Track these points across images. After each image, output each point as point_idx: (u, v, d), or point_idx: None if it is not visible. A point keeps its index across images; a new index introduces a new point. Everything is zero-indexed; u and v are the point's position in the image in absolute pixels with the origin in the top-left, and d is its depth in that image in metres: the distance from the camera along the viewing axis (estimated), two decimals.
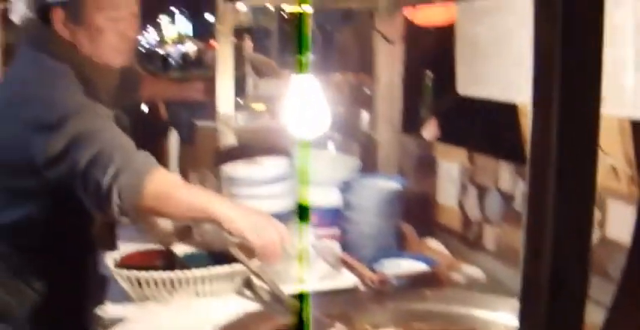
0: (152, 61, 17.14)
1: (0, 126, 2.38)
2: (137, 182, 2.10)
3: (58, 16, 2.40)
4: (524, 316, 0.84)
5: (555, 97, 0.77)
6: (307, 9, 2.58)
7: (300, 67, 2.27)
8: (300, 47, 2.27)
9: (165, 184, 2.17)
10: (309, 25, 2.81)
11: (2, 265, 2.58)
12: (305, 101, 2.33)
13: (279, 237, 2.15)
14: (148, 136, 5.53)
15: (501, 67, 2.32)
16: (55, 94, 2.31)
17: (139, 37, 11.38)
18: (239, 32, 7.31)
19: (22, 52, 2.58)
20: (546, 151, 0.79)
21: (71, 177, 2.19)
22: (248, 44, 6.28)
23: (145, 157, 2.19)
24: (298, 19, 2.50)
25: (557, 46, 0.77)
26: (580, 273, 0.82)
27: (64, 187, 2.25)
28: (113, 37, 2.44)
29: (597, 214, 1.92)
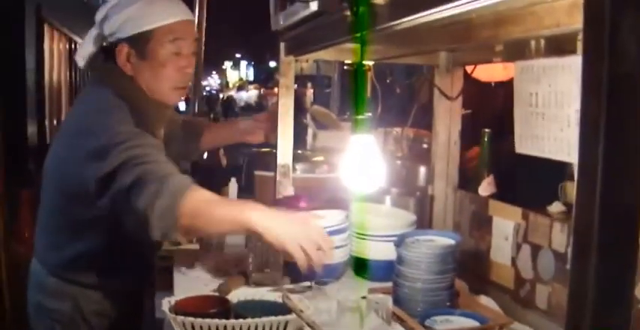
0: (214, 105, 17.35)
1: (67, 156, 2.49)
2: (173, 203, 2.18)
3: (123, 52, 2.56)
4: None
5: (599, 162, 0.80)
6: (367, 63, 2.64)
7: (359, 126, 2.32)
8: (358, 105, 2.32)
9: (200, 202, 2.26)
10: (369, 78, 2.87)
11: (67, 304, 2.65)
12: (363, 157, 2.37)
13: (320, 241, 2.21)
14: (208, 183, 5.62)
15: (557, 127, 2.34)
16: (110, 123, 2.42)
17: (204, 82, 11.48)
18: (301, 80, 7.39)
19: (86, 88, 2.79)
20: (590, 217, 0.82)
21: (117, 203, 2.28)
22: (309, 93, 6.35)
23: (181, 179, 2.27)
24: (358, 73, 2.56)
25: (602, 112, 0.80)
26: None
27: (115, 216, 2.33)
28: (173, 72, 2.60)
29: None
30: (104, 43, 2.63)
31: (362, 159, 2.36)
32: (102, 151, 2.32)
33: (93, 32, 2.65)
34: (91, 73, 2.83)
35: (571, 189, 2.45)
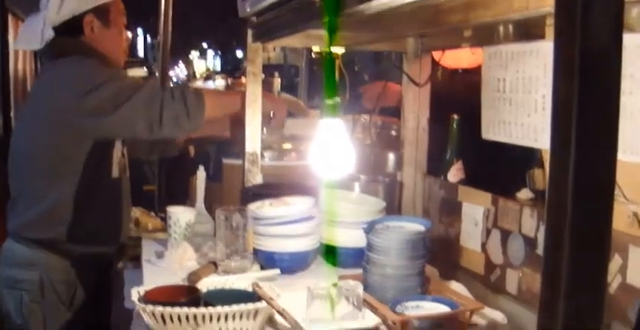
0: None
1: (53, 98, 2.83)
2: (200, 96, 2.85)
3: (89, 22, 2.95)
4: None
5: (572, 145, 0.80)
6: (336, 50, 2.63)
7: (328, 111, 2.31)
8: (328, 91, 2.31)
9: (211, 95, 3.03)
10: (337, 65, 2.86)
11: (35, 274, 2.78)
12: (331, 142, 2.36)
13: None
14: (176, 171, 5.59)
15: (524, 112, 2.35)
16: (93, 65, 2.88)
17: (170, 73, 11.48)
18: (268, 69, 7.36)
19: (49, 63, 3.09)
20: (563, 197, 0.81)
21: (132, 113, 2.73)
22: (277, 82, 6.33)
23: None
24: (327, 60, 2.54)
25: (574, 95, 0.80)
26: (595, 314, 0.84)
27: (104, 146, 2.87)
28: (124, 40, 3.14)
29: (619, 261, 1.93)
30: (66, 18, 2.89)
31: (330, 144, 2.36)
32: (98, 79, 2.76)
33: (42, 14, 2.89)
34: (49, 51, 2.98)
35: (539, 176, 2.46)
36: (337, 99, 2.31)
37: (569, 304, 0.83)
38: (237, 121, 3.39)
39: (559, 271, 0.82)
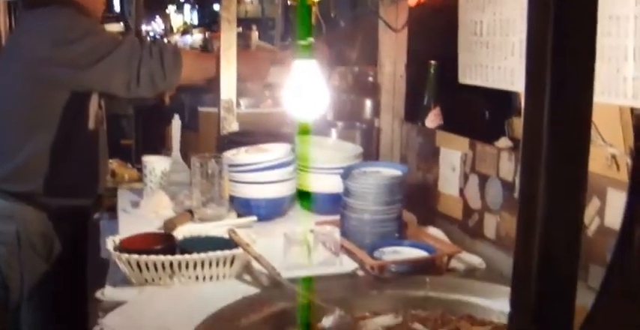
0: None
1: (33, 48, 2.79)
2: (177, 54, 2.86)
3: None
4: (516, 297, 0.84)
5: (547, 85, 0.77)
6: None
7: (302, 52, 2.27)
8: (302, 32, 2.28)
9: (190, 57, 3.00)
10: (314, 13, 2.82)
11: (12, 226, 2.71)
12: (306, 85, 2.33)
13: None
14: (152, 121, 5.55)
15: (501, 55, 2.32)
16: (72, 19, 2.83)
17: (147, 28, 11.34)
18: (246, 23, 7.30)
19: (29, 14, 3.01)
20: (538, 138, 0.79)
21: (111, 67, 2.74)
22: (254, 34, 6.27)
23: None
24: (302, 5, 2.50)
25: (549, 35, 0.77)
26: (570, 255, 0.82)
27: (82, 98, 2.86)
28: None
29: (597, 203, 1.93)
30: None
31: (305, 86, 2.33)
32: (75, 31, 2.77)
33: None
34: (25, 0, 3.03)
35: (518, 125, 2.44)
36: (310, 39, 2.28)
37: (544, 246, 0.81)
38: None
39: (534, 214, 0.80)
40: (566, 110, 0.78)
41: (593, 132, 1.83)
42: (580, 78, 0.78)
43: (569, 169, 0.80)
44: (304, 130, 2.78)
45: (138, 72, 2.72)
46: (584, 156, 0.80)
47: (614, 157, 1.88)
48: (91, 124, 2.94)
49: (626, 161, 1.85)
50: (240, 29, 4.04)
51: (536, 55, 0.79)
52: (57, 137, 2.80)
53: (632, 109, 1.82)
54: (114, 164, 3.65)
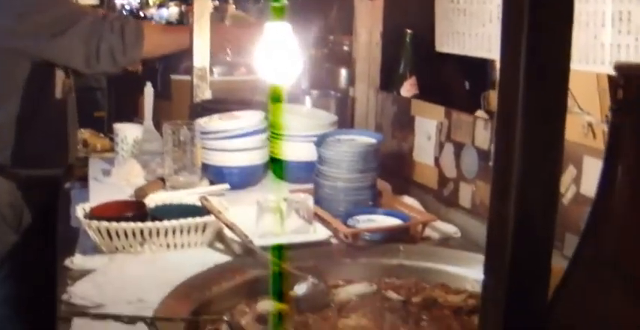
0: None
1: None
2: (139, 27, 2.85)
3: None
4: (490, 262, 0.82)
5: (522, 52, 0.75)
6: None
7: (275, 14, 2.24)
8: None
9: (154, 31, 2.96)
10: None
11: None
12: (279, 47, 2.30)
13: None
14: (125, 91, 5.49)
15: (478, 22, 2.31)
16: None
17: (122, 1, 11.27)
18: None
19: None
20: (512, 107, 0.76)
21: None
22: (231, 8, 6.25)
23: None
24: None
25: (525, 0, 0.74)
26: (546, 217, 0.80)
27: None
28: None
29: (573, 171, 1.91)
30: None
31: (277, 49, 2.30)
32: (39, 2, 2.74)
33: None
34: None
35: (494, 97, 2.43)
36: (284, 1, 2.25)
37: (520, 207, 0.79)
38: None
39: (509, 180, 0.77)
40: (543, 76, 0.76)
41: (569, 100, 1.82)
42: (556, 44, 0.76)
43: (545, 137, 0.78)
44: (278, 98, 2.75)
45: (97, 48, 2.69)
46: (560, 121, 0.79)
47: (590, 125, 1.86)
48: (58, 94, 2.90)
49: (602, 129, 1.83)
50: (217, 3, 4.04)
51: (512, 21, 0.77)
52: (23, 107, 2.76)
53: (610, 77, 1.80)
54: (86, 134, 3.61)
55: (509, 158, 0.77)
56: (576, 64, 1.85)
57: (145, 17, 11.48)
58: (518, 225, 0.78)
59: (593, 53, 1.81)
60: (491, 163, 2.25)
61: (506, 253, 0.78)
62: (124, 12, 11.76)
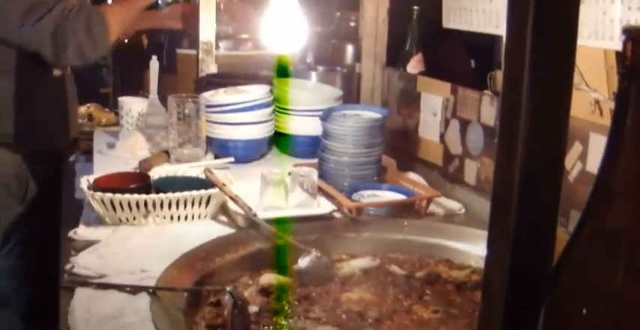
0: None
1: None
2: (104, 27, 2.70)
3: None
4: (494, 231, 0.82)
5: (529, 27, 0.74)
6: None
7: None
8: None
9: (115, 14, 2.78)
10: None
11: None
12: (284, 18, 2.29)
13: None
14: (130, 66, 5.48)
15: None
16: None
17: None
18: None
19: None
20: (518, 84, 0.76)
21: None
22: None
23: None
24: None
25: None
26: (551, 183, 0.80)
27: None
28: None
29: (579, 148, 1.90)
30: None
31: (282, 19, 2.29)
32: None
33: None
34: None
35: (500, 78, 2.41)
36: None
37: (525, 173, 0.78)
38: (190, 12, 3.32)
39: (514, 157, 0.77)
40: (549, 55, 0.76)
41: (576, 76, 1.81)
42: (564, 20, 0.76)
43: (549, 113, 0.78)
44: (283, 72, 2.74)
45: (65, 47, 2.65)
46: (566, 99, 0.78)
47: (597, 102, 1.85)
48: (56, 71, 2.89)
49: (609, 106, 1.82)
50: None
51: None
52: (19, 85, 2.74)
53: (617, 53, 1.79)
54: (91, 108, 3.61)
55: (514, 127, 0.77)
56: (585, 40, 1.84)
57: None
58: (523, 187, 0.77)
59: (602, 29, 1.80)
60: (496, 140, 2.26)
61: (511, 217, 0.78)
62: None
